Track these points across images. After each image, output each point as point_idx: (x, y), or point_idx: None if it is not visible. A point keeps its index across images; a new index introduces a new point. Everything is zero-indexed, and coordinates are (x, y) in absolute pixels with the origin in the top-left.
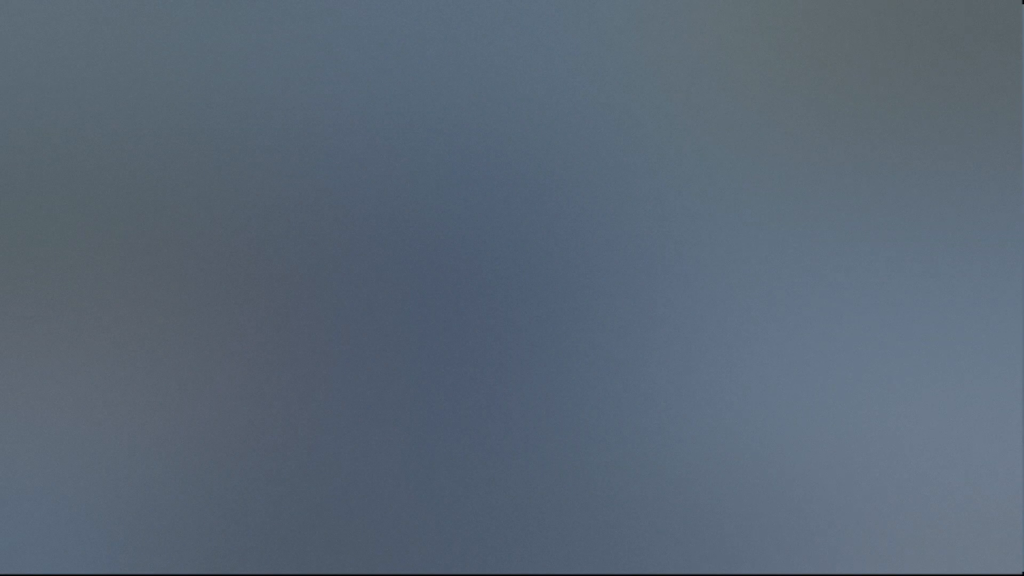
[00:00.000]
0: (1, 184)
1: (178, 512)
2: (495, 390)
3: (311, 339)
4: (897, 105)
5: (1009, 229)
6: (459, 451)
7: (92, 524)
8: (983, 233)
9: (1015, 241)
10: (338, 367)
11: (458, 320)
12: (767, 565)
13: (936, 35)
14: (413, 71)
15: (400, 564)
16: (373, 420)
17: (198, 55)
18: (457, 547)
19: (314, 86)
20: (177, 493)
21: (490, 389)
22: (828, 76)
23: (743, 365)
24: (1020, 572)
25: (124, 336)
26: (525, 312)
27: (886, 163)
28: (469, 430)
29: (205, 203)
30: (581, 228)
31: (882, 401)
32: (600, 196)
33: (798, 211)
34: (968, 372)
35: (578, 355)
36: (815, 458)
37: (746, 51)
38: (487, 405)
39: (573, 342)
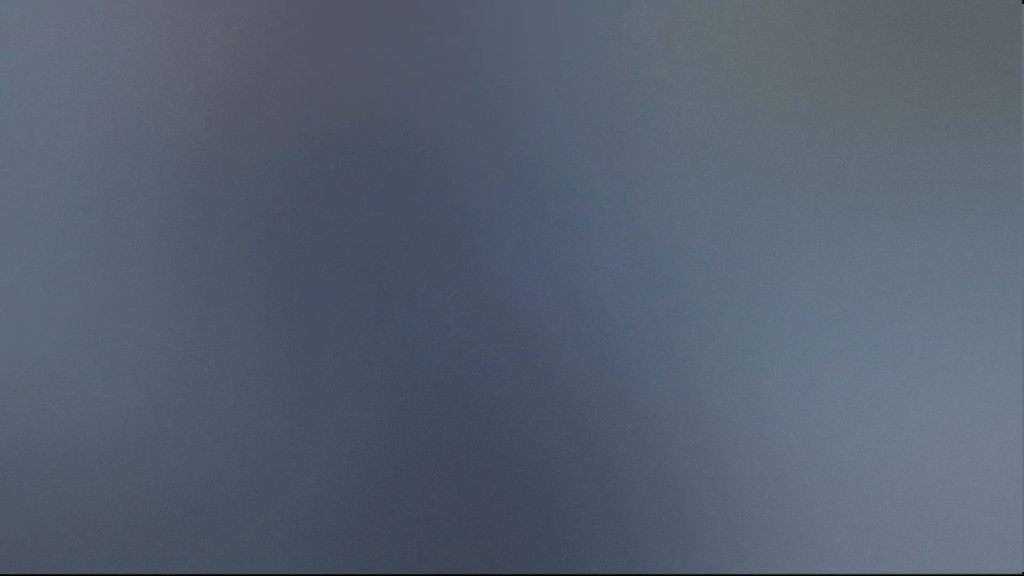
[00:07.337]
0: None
1: (177, 512)
2: (498, 389)
3: (309, 338)
4: (897, 105)
5: (1009, 229)
6: (461, 450)
7: (92, 524)
8: (983, 233)
9: (1015, 241)
10: (339, 349)
11: (459, 320)
12: (768, 565)
13: (936, 35)
14: (412, 73)
15: (400, 564)
16: (372, 418)
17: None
18: (458, 547)
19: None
20: (174, 493)
21: (493, 388)
22: (829, 76)
23: (744, 365)
24: (1020, 572)
25: (122, 334)
26: (528, 311)
27: (886, 163)
28: (472, 429)
29: (202, 201)
30: (586, 228)
31: (882, 401)
32: (606, 196)
33: (798, 211)
34: (968, 372)
35: (581, 355)
36: (816, 458)
37: (746, 51)
38: (490, 404)
39: (577, 341)
